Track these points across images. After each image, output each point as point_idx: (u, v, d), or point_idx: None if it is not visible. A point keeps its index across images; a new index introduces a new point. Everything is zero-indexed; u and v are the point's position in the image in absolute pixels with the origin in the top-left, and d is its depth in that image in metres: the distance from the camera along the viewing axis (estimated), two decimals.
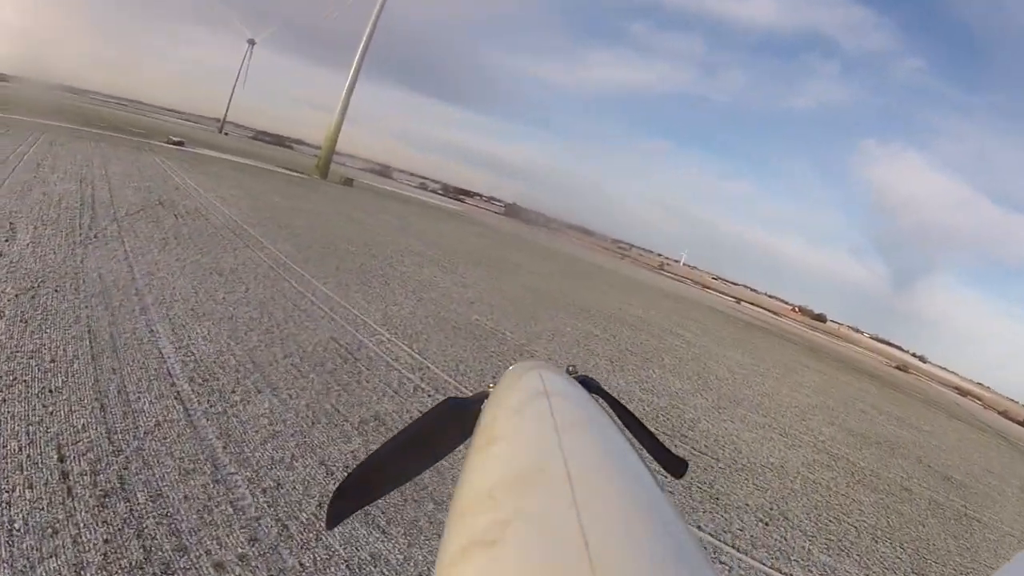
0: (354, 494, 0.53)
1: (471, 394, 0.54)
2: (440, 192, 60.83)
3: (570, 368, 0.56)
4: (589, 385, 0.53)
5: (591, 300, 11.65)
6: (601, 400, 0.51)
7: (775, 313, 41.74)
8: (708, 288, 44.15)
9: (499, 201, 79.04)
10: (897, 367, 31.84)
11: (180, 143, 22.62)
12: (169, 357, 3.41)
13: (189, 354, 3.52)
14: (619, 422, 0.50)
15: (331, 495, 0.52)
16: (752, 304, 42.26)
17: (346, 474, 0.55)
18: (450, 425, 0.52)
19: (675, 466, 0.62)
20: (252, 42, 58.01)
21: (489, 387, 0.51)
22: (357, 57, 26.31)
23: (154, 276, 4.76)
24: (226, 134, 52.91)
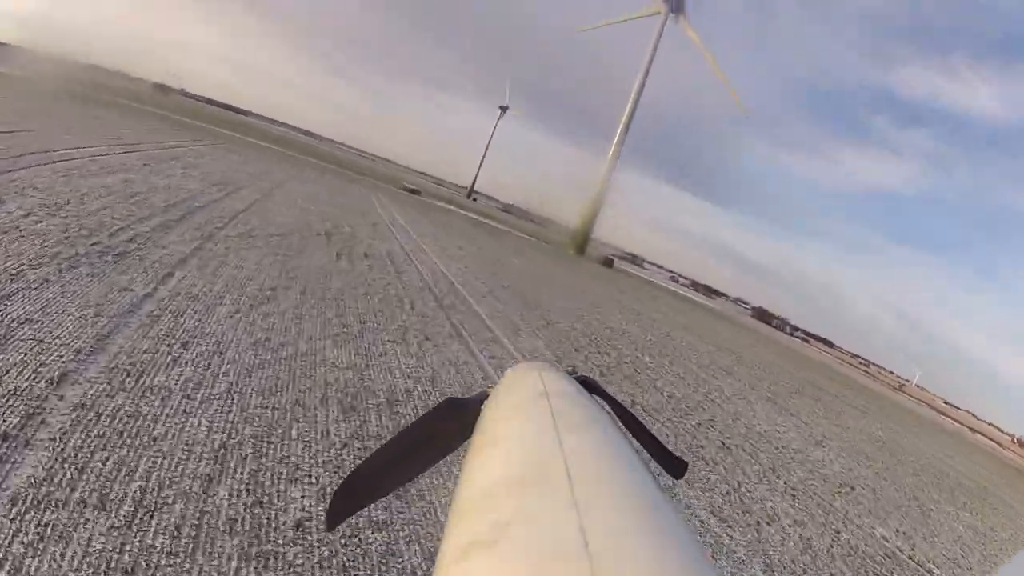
0: (355, 494, 0.52)
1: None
2: (690, 286, 59.98)
3: (570, 368, 0.55)
4: (589, 385, 0.52)
5: (927, 454, 9.64)
6: (601, 400, 0.50)
7: (999, 444, 41.50)
8: (942, 414, 45.97)
9: (745, 303, 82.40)
10: None
11: (415, 191, 22.92)
12: None
13: None
14: (619, 422, 0.50)
15: (331, 494, 0.50)
16: (978, 433, 42.99)
17: (347, 473, 0.50)
18: (450, 425, 0.50)
19: (675, 466, 0.60)
20: (504, 108, 59.32)
21: (489, 387, 0.49)
22: (618, 136, 24.94)
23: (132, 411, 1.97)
24: (474, 199, 54.98)
